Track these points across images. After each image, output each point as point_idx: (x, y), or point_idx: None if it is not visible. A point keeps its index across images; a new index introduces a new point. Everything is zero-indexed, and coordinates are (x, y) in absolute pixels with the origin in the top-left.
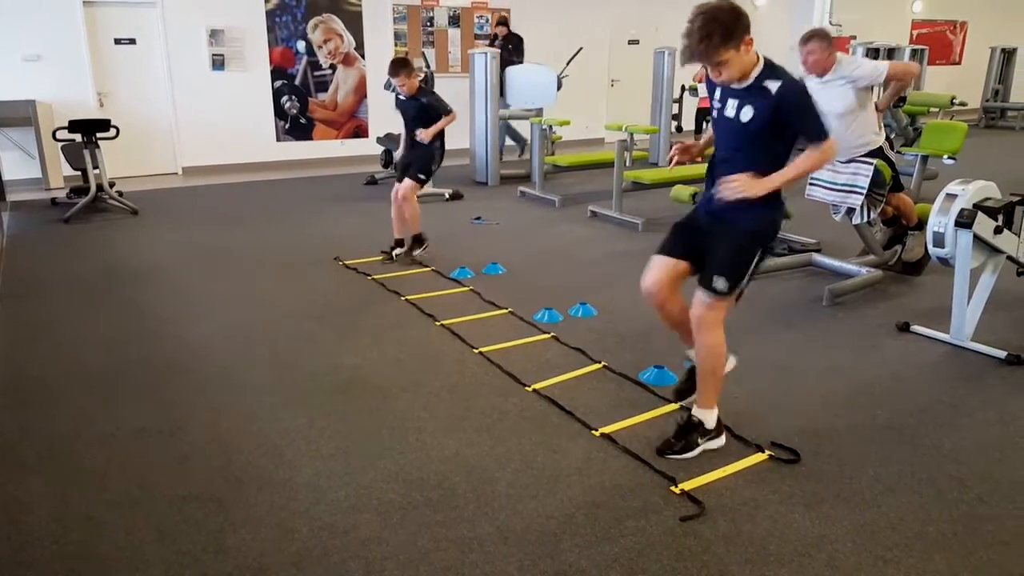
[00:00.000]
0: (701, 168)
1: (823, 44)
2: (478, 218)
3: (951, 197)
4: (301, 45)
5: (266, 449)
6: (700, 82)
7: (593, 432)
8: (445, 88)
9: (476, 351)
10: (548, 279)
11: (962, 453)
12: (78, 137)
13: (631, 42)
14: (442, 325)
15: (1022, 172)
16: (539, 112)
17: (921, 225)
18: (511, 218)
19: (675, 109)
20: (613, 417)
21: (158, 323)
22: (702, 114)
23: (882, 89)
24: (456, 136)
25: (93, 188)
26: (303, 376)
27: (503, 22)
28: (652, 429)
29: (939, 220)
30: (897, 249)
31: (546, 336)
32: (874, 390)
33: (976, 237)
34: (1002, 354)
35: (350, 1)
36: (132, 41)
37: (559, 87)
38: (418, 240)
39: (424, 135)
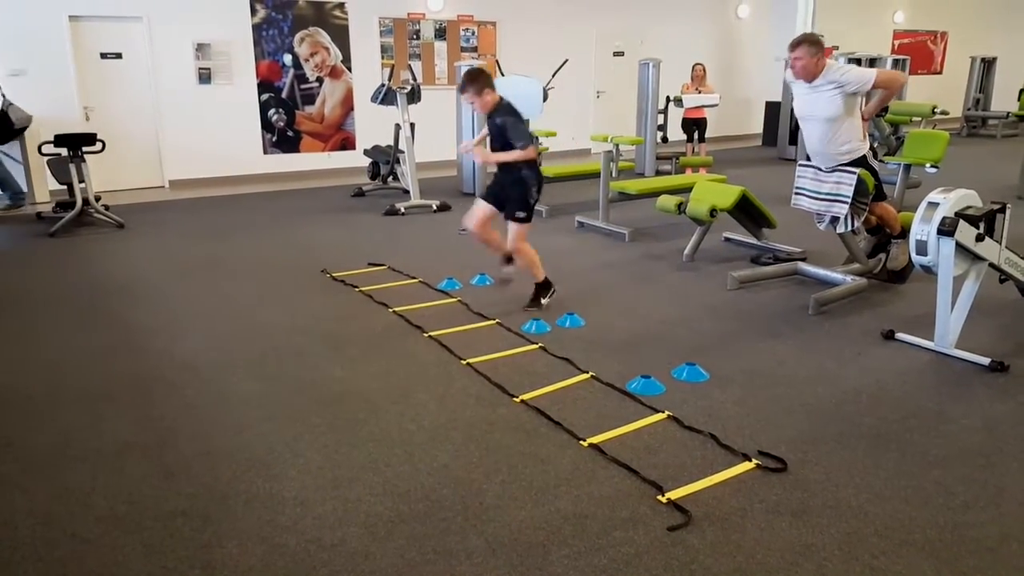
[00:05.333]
0: (687, 179)
1: (811, 50)
2: (465, 229)
3: (933, 205)
4: (288, 58)
5: (253, 463)
6: (687, 92)
7: (581, 442)
8: (431, 100)
9: (464, 362)
10: None
11: (947, 459)
12: (64, 151)
13: (616, 54)
14: (430, 337)
15: (1003, 180)
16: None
17: (905, 233)
18: (498, 229)
19: (660, 120)
20: (600, 427)
21: (144, 337)
22: (687, 124)
23: (866, 100)
24: (444, 148)
25: (79, 202)
26: (290, 389)
27: None
28: (639, 439)
29: (922, 228)
30: (881, 257)
31: (534, 347)
32: (860, 398)
33: (958, 245)
34: (986, 361)
35: (336, 15)
36: (118, 55)
37: (545, 99)
38: (544, 286)
39: (482, 156)
